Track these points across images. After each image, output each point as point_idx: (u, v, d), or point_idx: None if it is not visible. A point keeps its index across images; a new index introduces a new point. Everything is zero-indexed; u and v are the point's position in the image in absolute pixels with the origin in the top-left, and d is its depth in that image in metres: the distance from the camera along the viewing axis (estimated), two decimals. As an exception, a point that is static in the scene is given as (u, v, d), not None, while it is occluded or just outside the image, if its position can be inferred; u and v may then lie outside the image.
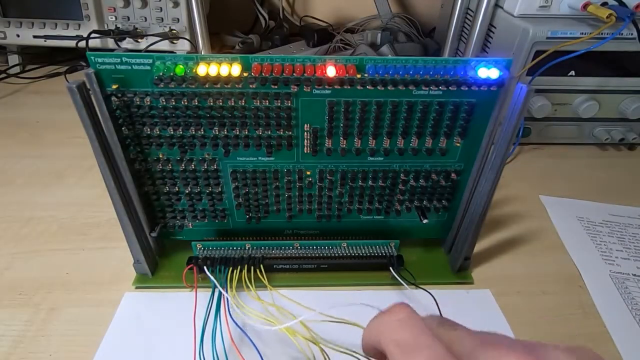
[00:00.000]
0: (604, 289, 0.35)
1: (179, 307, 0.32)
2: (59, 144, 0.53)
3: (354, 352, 0.28)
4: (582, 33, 0.46)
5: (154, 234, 0.34)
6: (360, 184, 0.34)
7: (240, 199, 0.34)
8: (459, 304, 0.33)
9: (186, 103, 0.29)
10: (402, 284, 0.33)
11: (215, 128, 0.30)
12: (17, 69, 0.70)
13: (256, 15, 0.81)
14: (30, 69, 0.71)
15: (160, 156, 0.31)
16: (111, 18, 0.64)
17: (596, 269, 0.37)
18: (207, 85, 0.28)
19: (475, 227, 0.33)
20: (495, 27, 0.53)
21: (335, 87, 0.29)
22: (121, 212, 0.31)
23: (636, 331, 0.32)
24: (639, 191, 0.48)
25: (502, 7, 0.52)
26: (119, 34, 0.63)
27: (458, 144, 0.32)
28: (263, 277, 0.33)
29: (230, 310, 0.30)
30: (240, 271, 0.33)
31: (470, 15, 0.58)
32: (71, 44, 0.64)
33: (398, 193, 0.35)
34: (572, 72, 0.50)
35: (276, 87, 0.28)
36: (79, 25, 0.65)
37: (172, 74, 0.27)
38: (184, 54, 0.28)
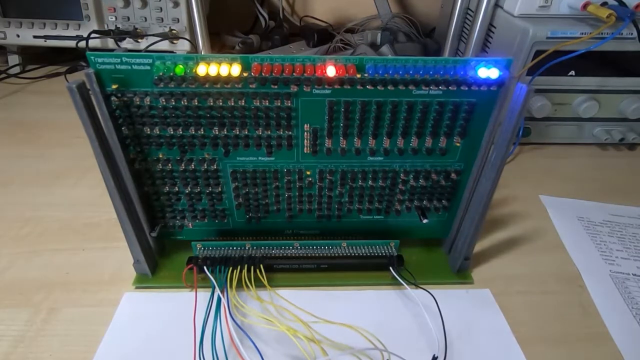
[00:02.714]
0: (604, 289, 0.35)
1: (179, 307, 0.32)
2: (59, 144, 0.53)
3: (355, 351, 0.28)
4: (582, 33, 0.46)
5: (154, 234, 0.34)
6: (360, 183, 0.34)
7: (240, 199, 0.34)
8: (458, 304, 0.33)
9: (186, 103, 0.29)
10: (402, 284, 0.33)
11: (215, 128, 0.30)
12: (17, 69, 0.70)
13: (256, 15, 0.81)
14: (30, 69, 0.71)
15: (160, 156, 0.31)
16: (111, 18, 0.64)
17: (596, 268, 0.37)
18: (207, 85, 0.28)
19: (475, 227, 0.33)
20: (495, 27, 0.53)
21: (335, 87, 0.29)
22: (121, 212, 0.31)
23: (636, 331, 0.32)
24: (639, 191, 0.48)
25: (502, 7, 0.52)
26: (119, 34, 0.63)
27: (458, 144, 0.32)
28: (263, 277, 0.33)
29: (230, 310, 0.30)
30: (240, 271, 0.33)
31: (470, 15, 0.58)
32: (71, 44, 0.65)
33: (398, 193, 0.35)
34: (572, 72, 0.50)
35: (276, 87, 0.28)
36: (79, 25, 0.65)
37: (172, 74, 0.27)
38: (184, 54, 0.28)
